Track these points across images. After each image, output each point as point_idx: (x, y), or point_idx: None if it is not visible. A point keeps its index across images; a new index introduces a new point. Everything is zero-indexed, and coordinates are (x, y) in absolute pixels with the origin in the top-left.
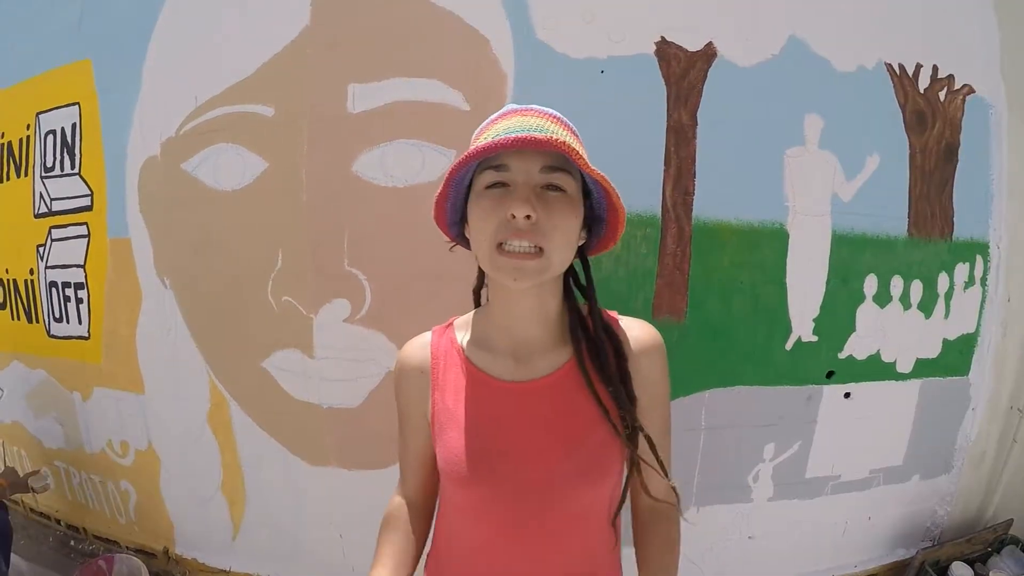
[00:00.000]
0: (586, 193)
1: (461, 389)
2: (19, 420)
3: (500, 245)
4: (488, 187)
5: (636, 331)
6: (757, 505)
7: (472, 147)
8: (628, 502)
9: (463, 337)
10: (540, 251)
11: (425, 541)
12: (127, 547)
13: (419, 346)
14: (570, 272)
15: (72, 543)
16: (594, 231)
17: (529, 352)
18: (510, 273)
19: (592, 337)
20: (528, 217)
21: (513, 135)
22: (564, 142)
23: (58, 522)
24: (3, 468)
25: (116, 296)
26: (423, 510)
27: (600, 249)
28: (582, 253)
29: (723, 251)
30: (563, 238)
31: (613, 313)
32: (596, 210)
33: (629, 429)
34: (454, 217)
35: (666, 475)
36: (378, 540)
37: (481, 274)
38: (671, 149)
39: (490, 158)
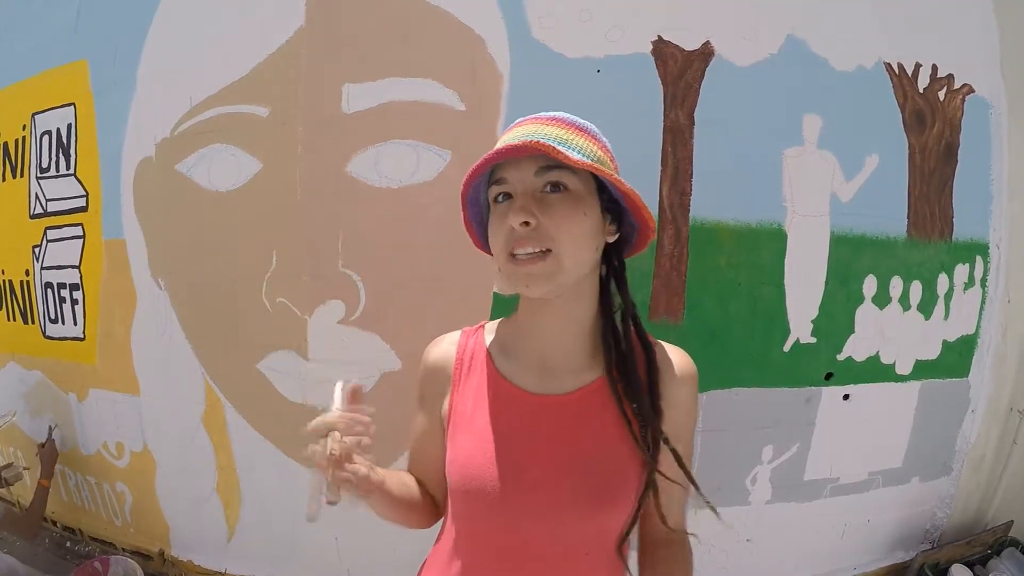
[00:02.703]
0: (606, 187)
1: (482, 395)
2: (15, 421)
3: (512, 255)
4: (496, 201)
5: (674, 358)
6: (755, 508)
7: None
8: (635, 532)
9: (492, 342)
10: (547, 252)
11: (420, 508)
12: (123, 549)
13: (446, 344)
14: (610, 278)
15: (68, 544)
16: (624, 224)
17: (556, 366)
18: (521, 280)
19: (623, 349)
20: (527, 224)
21: (494, 150)
22: (539, 141)
23: (54, 523)
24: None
25: (111, 297)
26: (424, 491)
27: (640, 245)
28: (619, 254)
29: (720, 252)
30: (570, 237)
31: (649, 337)
32: (621, 202)
33: (652, 444)
34: (486, 236)
35: (695, 485)
36: None
37: None
38: (668, 149)
39: (492, 174)
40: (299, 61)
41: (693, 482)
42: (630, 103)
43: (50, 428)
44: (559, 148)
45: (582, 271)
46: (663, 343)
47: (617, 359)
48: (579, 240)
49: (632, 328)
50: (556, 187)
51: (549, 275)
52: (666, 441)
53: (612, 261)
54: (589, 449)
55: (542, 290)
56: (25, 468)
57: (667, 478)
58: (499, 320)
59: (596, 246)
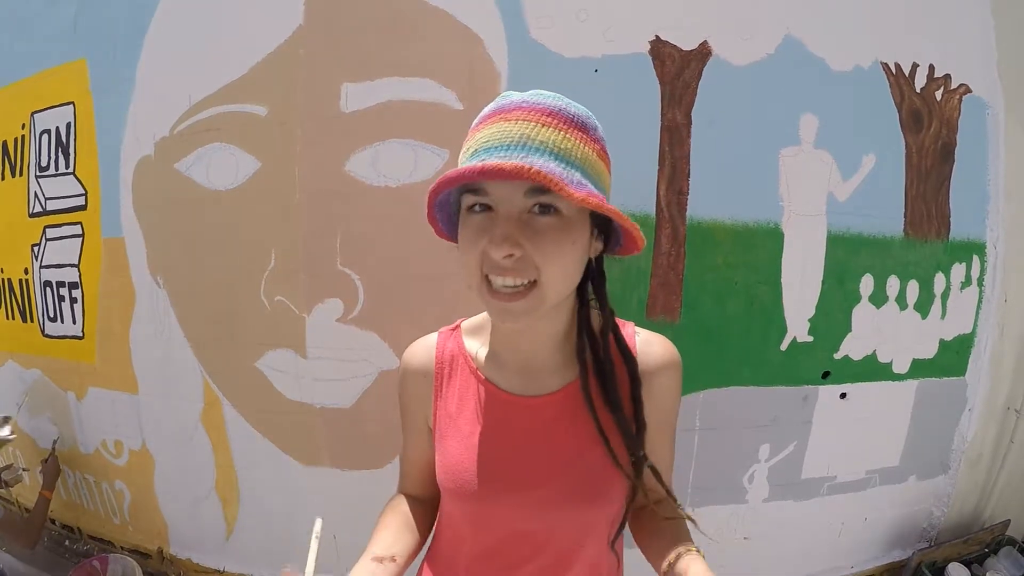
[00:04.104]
0: None
1: (466, 397)
2: (14, 419)
3: (488, 279)
4: (471, 207)
5: (653, 346)
6: (752, 506)
7: (447, 171)
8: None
9: (470, 343)
10: (532, 284)
11: (427, 532)
12: (121, 547)
13: (424, 348)
14: (586, 280)
15: (67, 543)
16: (613, 237)
17: (536, 368)
18: (498, 316)
19: (601, 360)
20: (511, 255)
21: (479, 163)
22: (539, 172)
23: (53, 522)
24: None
25: (110, 296)
26: (424, 504)
27: (624, 253)
28: (599, 262)
29: (718, 251)
30: (558, 269)
31: (629, 325)
32: (613, 220)
33: (634, 458)
34: (454, 232)
35: (675, 501)
36: (376, 524)
37: None
38: (665, 149)
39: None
40: (298, 60)
41: (671, 495)
42: (628, 103)
43: (54, 443)
44: (559, 176)
45: (562, 298)
46: (642, 332)
47: (595, 369)
48: (566, 270)
49: (607, 339)
50: (545, 208)
51: (529, 311)
52: (646, 460)
53: (590, 269)
54: (573, 447)
55: (519, 324)
56: (24, 469)
57: (651, 489)
58: (477, 317)
59: (581, 269)
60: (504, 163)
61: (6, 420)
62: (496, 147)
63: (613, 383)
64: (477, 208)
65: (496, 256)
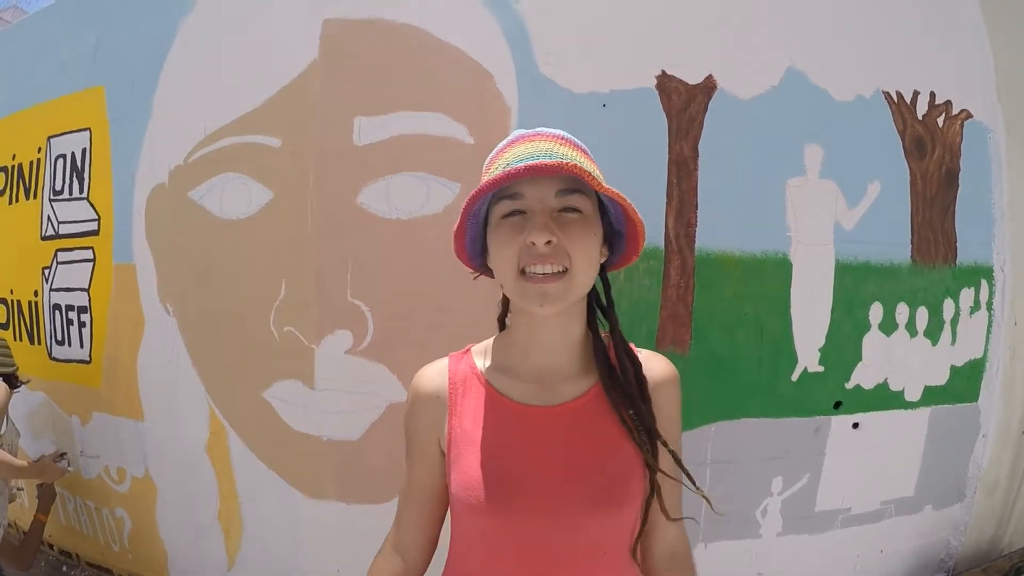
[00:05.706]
0: (603, 210)
1: (480, 413)
2: (19, 443)
3: (523, 272)
4: (505, 216)
5: (652, 363)
6: (766, 540)
7: (484, 178)
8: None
9: (483, 362)
10: (563, 272)
11: None
12: (120, 575)
13: (436, 371)
14: (592, 295)
15: (64, 569)
16: (615, 247)
17: (553, 379)
18: (535, 299)
19: (614, 361)
20: (548, 243)
21: (524, 163)
22: (576, 165)
23: (51, 547)
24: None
25: (119, 321)
26: (416, 565)
27: (622, 264)
28: (602, 271)
29: (726, 282)
30: (585, 258)
31: (630, 345)
32: (615, 225)
33: (653, 447)
34: (475, 249)
35: (693, 483)
36: None
37: (506, 301)
38: (673, 181)
39: (503, 188)
40: (312, 94)
41: (687, 473)
42: (635, 136)
43: (62, 454)
44: (593, 174)
45: (587, 289)
46: (642, 351)
47: (609, 370)
48: (591, 260)
49: (618, 340)
50: (570, 209)
51: (563, 295)
52: (663, 441)
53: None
54: (592, 454)
55: (555, 308)
56: (19, 488)
57: (667, 475)
58: (487, 341)
59: (598, 266)
60: (547, 161)
61: (62, 456)
62: (530, 155)
63: (629, 380)
64: (511, 214)
65: (539, 241)
